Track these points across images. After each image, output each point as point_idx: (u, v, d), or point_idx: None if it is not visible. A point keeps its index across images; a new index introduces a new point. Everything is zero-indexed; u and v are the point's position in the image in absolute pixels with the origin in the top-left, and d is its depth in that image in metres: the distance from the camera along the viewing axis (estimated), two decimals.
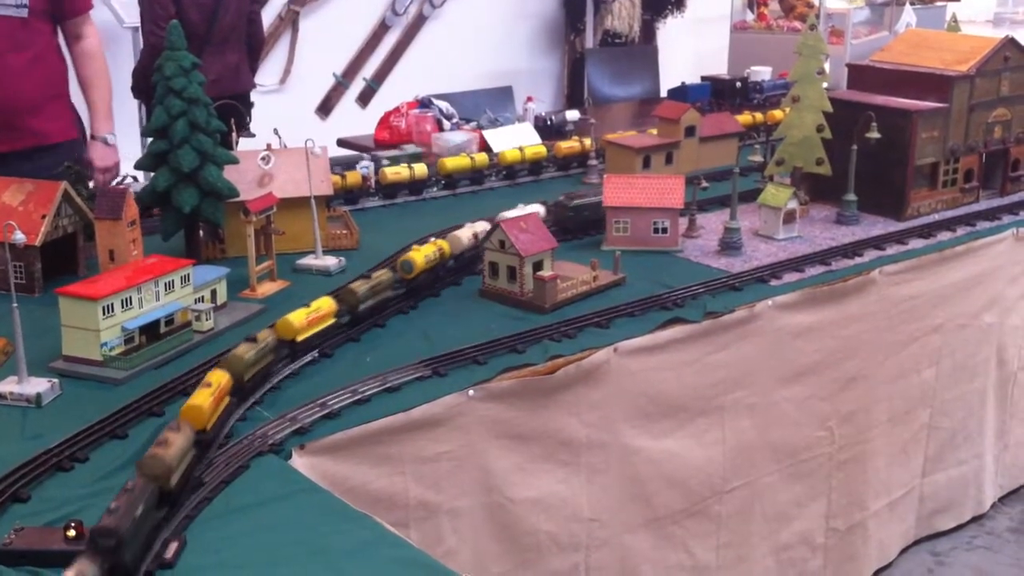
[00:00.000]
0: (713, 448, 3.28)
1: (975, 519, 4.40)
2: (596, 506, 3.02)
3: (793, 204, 3.76)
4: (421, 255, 3.10)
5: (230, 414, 2.35)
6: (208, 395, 2.22)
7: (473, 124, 5.37)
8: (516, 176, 4.49)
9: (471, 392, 2.67)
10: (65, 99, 4.24)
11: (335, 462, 2.41)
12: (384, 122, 5.47)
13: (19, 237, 2.49)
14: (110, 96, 4.26)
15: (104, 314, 2.55)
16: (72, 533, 1.88)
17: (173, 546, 1.91)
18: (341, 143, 5.50)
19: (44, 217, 3.04)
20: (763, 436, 3.42)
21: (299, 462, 2.31)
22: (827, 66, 4.04)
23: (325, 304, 2.80)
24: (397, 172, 4.17)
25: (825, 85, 4.02)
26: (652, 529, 3.20)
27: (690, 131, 4.32)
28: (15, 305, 2.40)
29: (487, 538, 2.79)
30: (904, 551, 4.18)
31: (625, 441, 3.05)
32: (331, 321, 2.79)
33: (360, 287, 2.91)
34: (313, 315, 2.73)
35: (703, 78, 6.06)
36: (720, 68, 7.17)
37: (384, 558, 1.97)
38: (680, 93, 5.65)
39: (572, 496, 2.95)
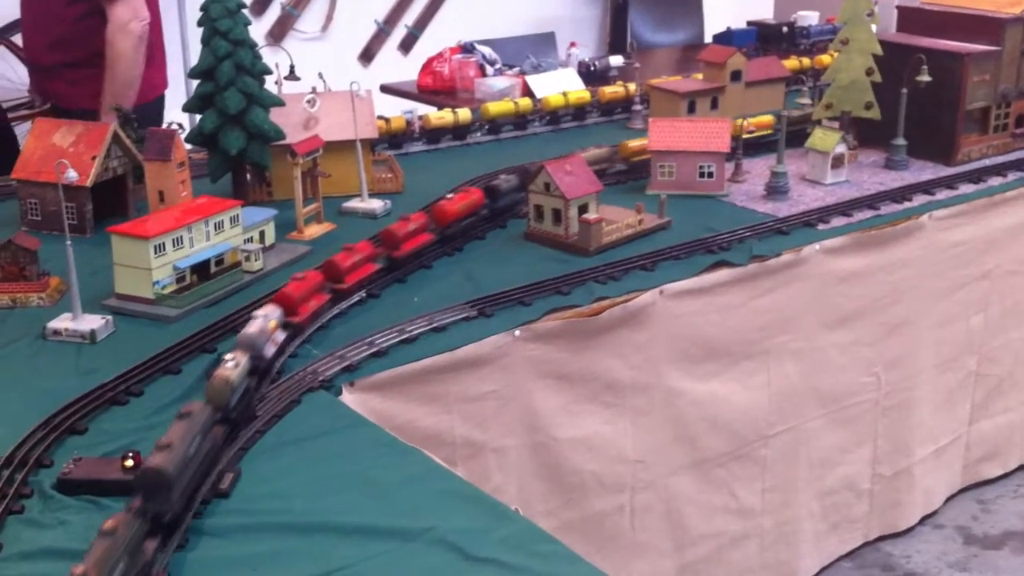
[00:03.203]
0: (758, 392, 3.28)
1: (1021, 467, 4.37)
2: (641, 447, 3.03)
3: (841, 149, 3.71)
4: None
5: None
6: None
7: (516, 70, 5.35)
8: (560, 121, 4.47)
9: (517, 332, 2.68)
10: (87, 68, 4.14)
11: (383, 399, 2.44)
12: (427, 68, 5.46)
13: (72, 175, 2.51)
14: (116, 88, 4.06)
15: (156, 253, 2.59)
16: (129, 463, 1.92)
17: (228, 477, 1.94)
18: (384, 89, 5.49)
19: (94, 158, 3.07)
20: (808, 381, 3.41)
21: (348, 398, 2.34)
22: (876, 8, 3.97)
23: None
24: (441, 117, 4.17)
25: (874, 28, 3.96)
26: (697, 471, 3.21)
27: (736, 75, 4.27)
28: (69, 243, 2.44)
29: (532, 477, 2.82)
30: (949, 499, 4.17)
31: (670, 383, 3.06)
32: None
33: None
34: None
35: (749, 23, 5.97)
36: (766, 13, 7.07)
37: (433, 490, 1.99)
38: (725, 38, 5.58)
39: (617, 437, 2.97)
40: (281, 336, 2.32)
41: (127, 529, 1.59)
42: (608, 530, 3.05)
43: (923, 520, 4.07)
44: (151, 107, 4.27)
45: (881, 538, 3.95)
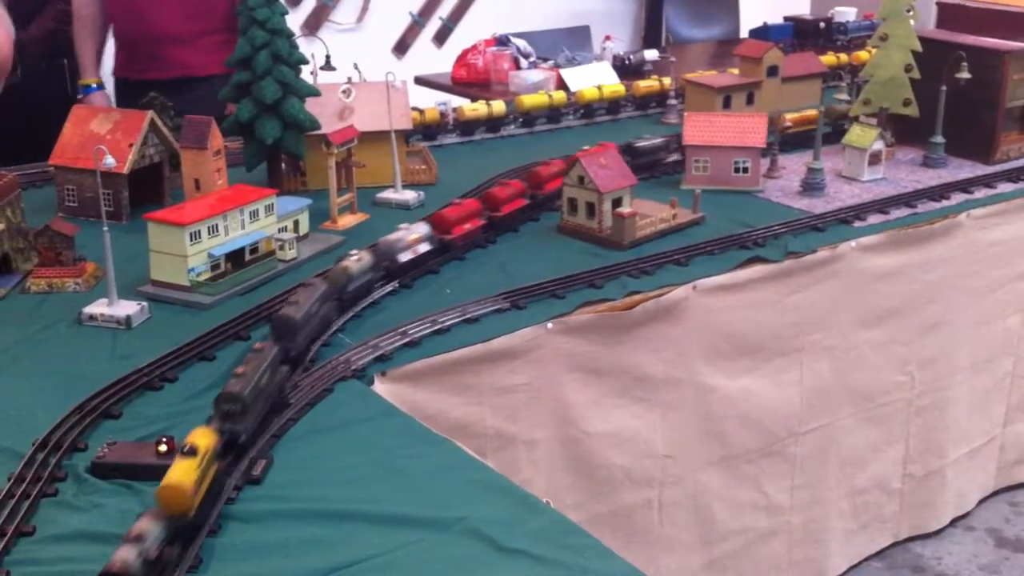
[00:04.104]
0: (790, 389, 3.26)
1: None
2: (670, 442, 3.02)
3: (879, 145, 3.68)
4: None
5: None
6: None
7: (550, 63, 5.34)
8: (594, 115, 4.46)
9: (549, 325, 2.67)
10: (222, 34, 4.20)
11: (415, 389, 2.44)
12: (462, 60, 5.46)
13: (109, 161, 2.53)
14: None
15: (191, 240, 2.60)
16: (164, 448, 1.93)
17: (261, 464, 1.95)
18: (419, 81, 5.50)
19: (131, 146, 3.08)
20: (841, 379, 3.38)
21: (381, 388, 2.34)
22: (916, 4, 3.93)
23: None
24: (475, 109, 4.17)
25: (913, 24, 3.92)
26: (726, 467, 3.20)
27: (772, 71, 4.24)
28: (106, 229, 2.46)
29: (562, 470, 2.82)
30: (982, 501, 4.13)
31: (701, 379, 3.05)
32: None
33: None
34: None
35: (785, 18, 5.93)
36: (803, 8, 7.02)
37: (463, 480, 1.99)
38: (762, 33, 5.54)
39: (647, 432, 2.96)
40: (424, 248, 2.77)
41: (271, 350, 2.07)
42: (636, 524, 3.04)
43: (954, 522, 4.03)
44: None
45: (911, 539, 3.92)
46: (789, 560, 3.52)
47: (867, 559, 3.81)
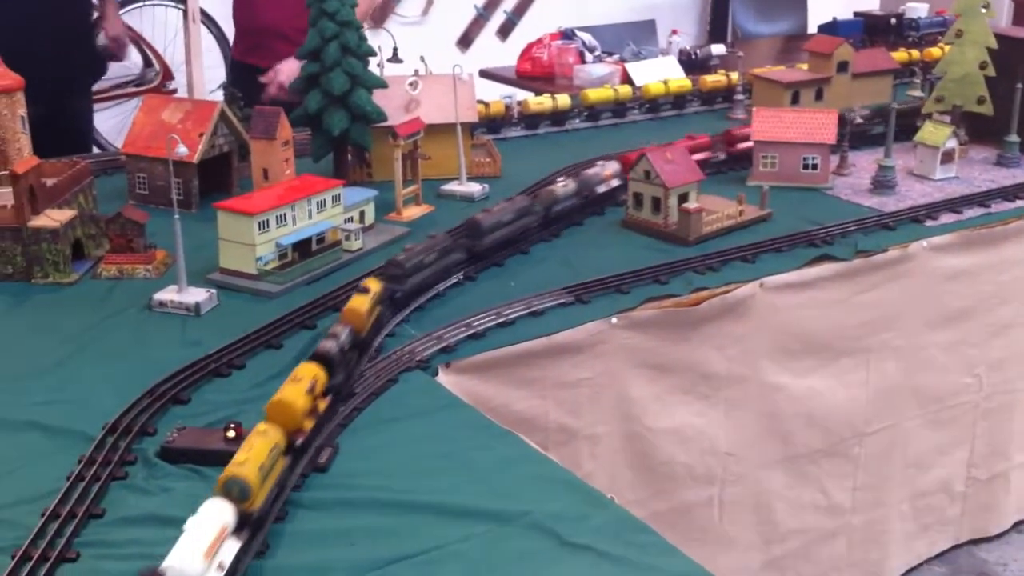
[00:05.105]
0: (856, 389, 3.22)
1: None
2: (733, 441, 3.00)
3: (952, 143, 3.62)
4: None
5: None
6: None
7: (616, 57, 5.31)
8: (659, 110, 4.43)
9: (613, 320, 2.66)
10: None
11: (479, 382, 2.45)
12: (526, 54, 5.45)
13: (182, 150, 2.57)
14: None
15: (260, 229, 2.63)
16: (232, 434, 1.95)
17: (327, 452, 1.97)
18: (483, 74, 5.50)
19: (201, 135, 3.12)
20: (908, 380, 3.33)
21: (445, 379, 2.35)
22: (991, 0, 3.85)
23: None
24: (540, 103, 4.16)
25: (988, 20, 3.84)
26: (788, 467, 3.17)
27: (842, 67, 4.17)
28: (176, 217, 2.49)
29: (623, 465, 2.80)
30: None
31: (766, 377, 3.01)
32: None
33: None
34: None
35: (855, 14, 5.84)
36: (872, 4, 6.91)
37: (527, 474, 1.99)
38: (831, 29, 5.45)
39: (709, 429, 2.94)
40: (615, 183, 3.24)
41: (443, 241, 2.65)
42: (696, 522, 3.02)
43: (1016, 526, 3.96)
44: None
45: (975, 542, 3.86)
46: (849, 561, 3.48)
47: (928, 562, 3.75)
